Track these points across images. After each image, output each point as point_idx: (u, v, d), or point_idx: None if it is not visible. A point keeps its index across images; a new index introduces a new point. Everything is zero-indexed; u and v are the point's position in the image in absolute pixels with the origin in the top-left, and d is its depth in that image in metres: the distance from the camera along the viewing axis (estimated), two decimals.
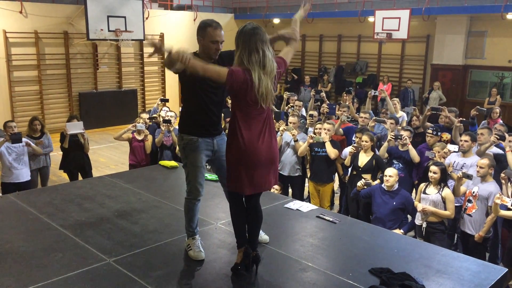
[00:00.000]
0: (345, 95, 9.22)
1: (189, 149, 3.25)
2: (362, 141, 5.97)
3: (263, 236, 3.57)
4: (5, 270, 3.12)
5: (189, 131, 3.26)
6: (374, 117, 7.30)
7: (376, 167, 5.91)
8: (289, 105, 8.59)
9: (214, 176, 5.08)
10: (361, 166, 5.94)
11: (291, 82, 15.78)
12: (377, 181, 5.69)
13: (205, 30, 3.12)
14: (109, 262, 3.24)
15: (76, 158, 7.02)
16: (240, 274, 3.06)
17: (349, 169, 6.27)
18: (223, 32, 3.18)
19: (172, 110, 7.85)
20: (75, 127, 6.88)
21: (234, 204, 3.12)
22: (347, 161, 6.22)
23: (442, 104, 11.18)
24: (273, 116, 7.46)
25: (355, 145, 6.17)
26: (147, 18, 13.75)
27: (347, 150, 6.27)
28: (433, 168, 5.09)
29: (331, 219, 4.04)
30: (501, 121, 7.60)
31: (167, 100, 8.64)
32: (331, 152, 6.22)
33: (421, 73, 14.23)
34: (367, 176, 5.80)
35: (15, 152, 6.32)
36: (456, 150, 5.75)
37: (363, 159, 5.97)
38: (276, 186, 6.38)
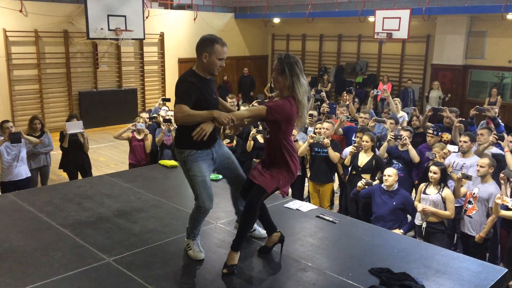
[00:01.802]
0: (345, 94, 9.19)
1: (190, 161, 3.18)
2: (363, 141, 5.96)
3: (261, 230, 3.62)
4: (5, 269, 3.11)
5: (187, 145, 3.17)
6: (374, 117, 7.29)
7: (375, 168, 5.90)
8: None
9: (213, 176, 5.07)
10: (361, 166, 5.93)
11: None
12: (377, 181, 5.69)
13: (213, 47, 3.10)
14: (109, 261, 3.24)
15: (75, 158, 7.02)
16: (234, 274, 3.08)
17: (349, 169, 6.27)
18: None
19: (172, 109, 7.84)
20: (75, 127, 6.88)
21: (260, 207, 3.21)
22: (347, 161, 6.21)
23: (443, 103, 11.17)
24: None
25: (355, 145, 6.17)
26: (147, 17, 13.75)
27: (348, 150, 6.26)
28: (433, 168, 5.08)
29: (331, 219, 4.04)
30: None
31: (169, 100, 8.62)
32: (334, 156, 6.22)
33: (421, 73, 14.23)
34: (367, 176, 5.79)
35: (14, 151, 6.31)
36: (456, 150, 5.75)
37: (363, 159, 5.97)
38: None
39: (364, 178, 5.69)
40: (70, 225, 3.81)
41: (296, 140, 6.40)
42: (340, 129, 7.03)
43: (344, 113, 7.51)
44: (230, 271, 3.09)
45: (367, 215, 5.64)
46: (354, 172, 6.03)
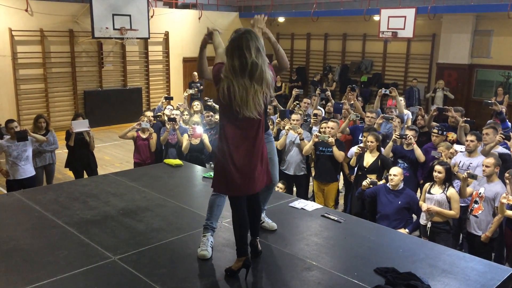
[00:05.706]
0: (350, 92, 9.09)
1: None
2: (368, 142, 5.94)
3: (270, 223, 3.69)
4: (11, 267, 3.13)
5: None
6: (382, 114, 7.24)
7: (381, 167, 5.88)
8: (295, 102, 8.54)
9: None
10: (367, 167, 5.91)
11: (296, 81, 15.77)
12: (383, 181, 5.67)
13: None
14: (114, 259, 3.24)
15: (81, 156, 7.05)
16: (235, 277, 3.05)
17: (355, 169, 6.25)
18: None
19: (175, 109, 7.85)
20: (81, 125, 6.91)
21: (236, 210, 3.07)
22: (352, 162, 6.20)
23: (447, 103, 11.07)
24: (279, 114, 7.45)
25: (361, 145, 6.15)
26: (152, 17, 13.77)
27: (353, 150, 6.25)
28: (437, 167, 5.06)
29: (336, 218, 4.03)
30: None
31: (171, 98, 8.63)
32: (339, 155, 6.21)
33: (427, 72, 14.17)
34: (373, 177, 5.76)
35: (19, 149, 6.33)
36: (463, 150, 5.72)
37: (369, 159, 5.95)
38: (280, 185, 6.38)
39: (370, 178, 5.67)
40: (76, 224, 3.83)
41: (302, 139, 6.40)
42: (347, 128, 7.01)
43: (352, 111, 7.48)
44: (227, 273, 3.06)
45: (372, 215, 5.63)
46: (360, 173, 6.01)
